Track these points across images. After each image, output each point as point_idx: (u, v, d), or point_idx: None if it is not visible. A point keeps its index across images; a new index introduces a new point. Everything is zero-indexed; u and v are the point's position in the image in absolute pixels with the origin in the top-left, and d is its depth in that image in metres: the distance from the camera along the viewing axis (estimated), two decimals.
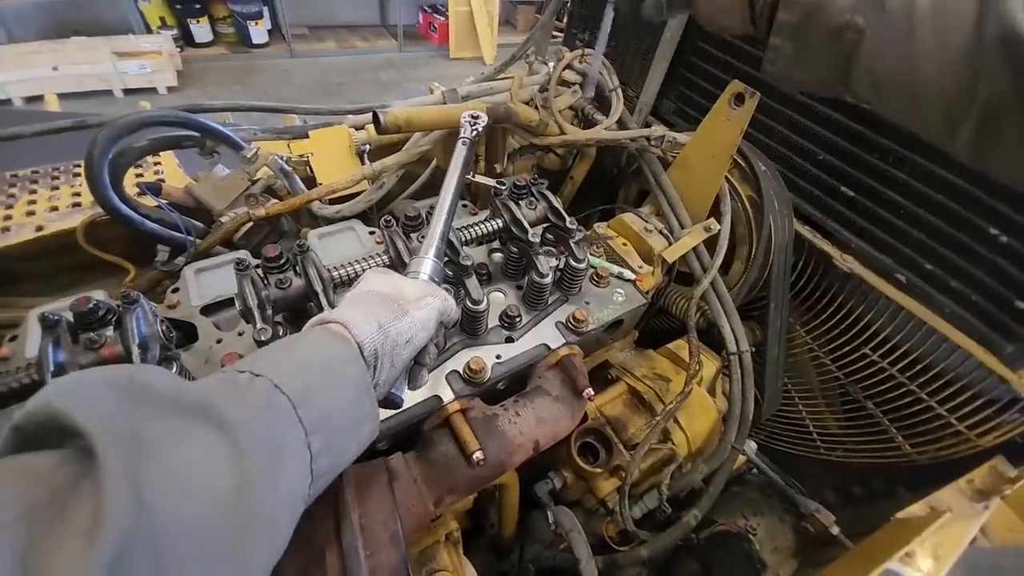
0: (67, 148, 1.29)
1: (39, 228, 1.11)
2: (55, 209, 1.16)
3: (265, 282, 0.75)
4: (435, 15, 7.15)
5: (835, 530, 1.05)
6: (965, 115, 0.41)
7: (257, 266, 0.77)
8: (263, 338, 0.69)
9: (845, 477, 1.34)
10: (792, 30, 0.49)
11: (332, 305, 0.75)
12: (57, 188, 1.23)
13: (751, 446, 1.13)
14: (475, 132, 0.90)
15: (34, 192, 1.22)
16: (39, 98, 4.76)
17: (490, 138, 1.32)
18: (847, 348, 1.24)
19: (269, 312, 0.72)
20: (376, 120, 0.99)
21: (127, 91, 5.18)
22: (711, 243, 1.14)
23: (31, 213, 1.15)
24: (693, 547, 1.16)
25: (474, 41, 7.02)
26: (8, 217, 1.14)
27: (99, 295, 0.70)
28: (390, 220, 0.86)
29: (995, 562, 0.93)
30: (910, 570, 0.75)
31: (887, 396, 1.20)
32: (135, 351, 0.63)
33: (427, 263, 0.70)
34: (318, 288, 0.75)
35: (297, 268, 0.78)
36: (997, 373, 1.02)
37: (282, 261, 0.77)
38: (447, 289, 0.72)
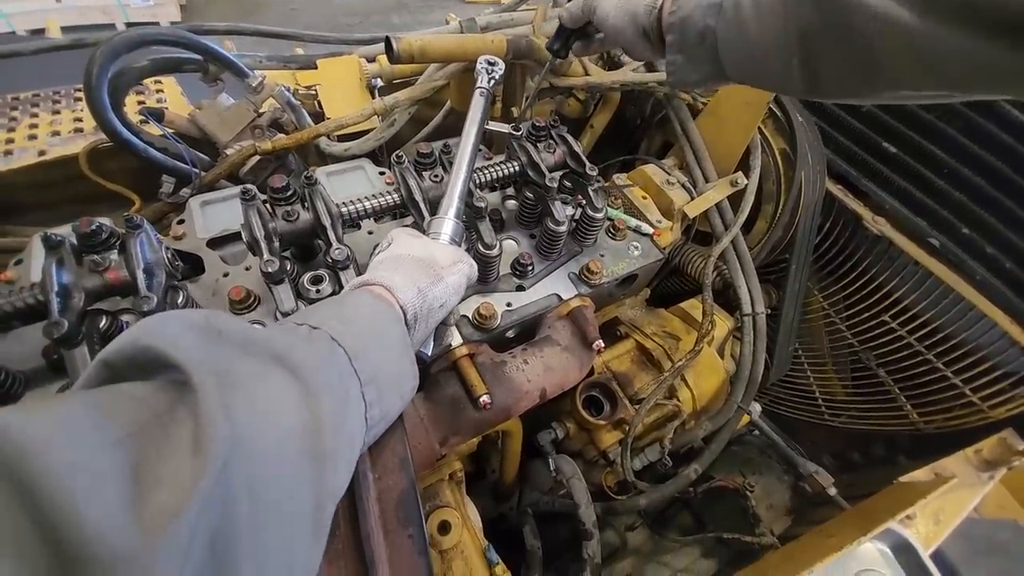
0: (68, 72, 1.24)
1: (41, 152, 1.08)
2: (57, 134, 1.13)
3: (272, 214, 0.73)
4: None
5: (832, 491, 1.06)
6: (792, 54, 0.54)
7: (265, 201, 0.74)
8: (270, 270, 0.68)
9: (845, 443, 1.35)
10: (677, 46, 0.67)
11: (340, 241, 0.73)
12: (59, 112, 1.19)
13: (756, 408, 1.12)
14: (492, 81, 0.86)
15: (35, 116, 1.18)
16: (42, 31, 4.64)
17: (508, 77, 1.24)
18: (865, 315, 1.21)
19: (276, 244, 0.70)
20: (389, 47, 0.92)
21: (130, 25, 5.00)
22: (735, 200, 1.09)
23: (33, 137, 1.12)
24: (689, 500, 1.19)
25: None
26: (10, 141, 1.11)
27: (103, 220, 0.68)
28: (401, 156, 0.82)
29: (989, 533, 0.93)
30: (910, 531, 0.75)
31: (901, 364, 1.18)
32: (140, 276, 0.62)
33: (448, 223, 0.69)
34: (326, 222, 0.73)
35: (305, 202, 0.75)
36: (1021, 344, 0.99)
37: (289, 193, 0.74)
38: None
